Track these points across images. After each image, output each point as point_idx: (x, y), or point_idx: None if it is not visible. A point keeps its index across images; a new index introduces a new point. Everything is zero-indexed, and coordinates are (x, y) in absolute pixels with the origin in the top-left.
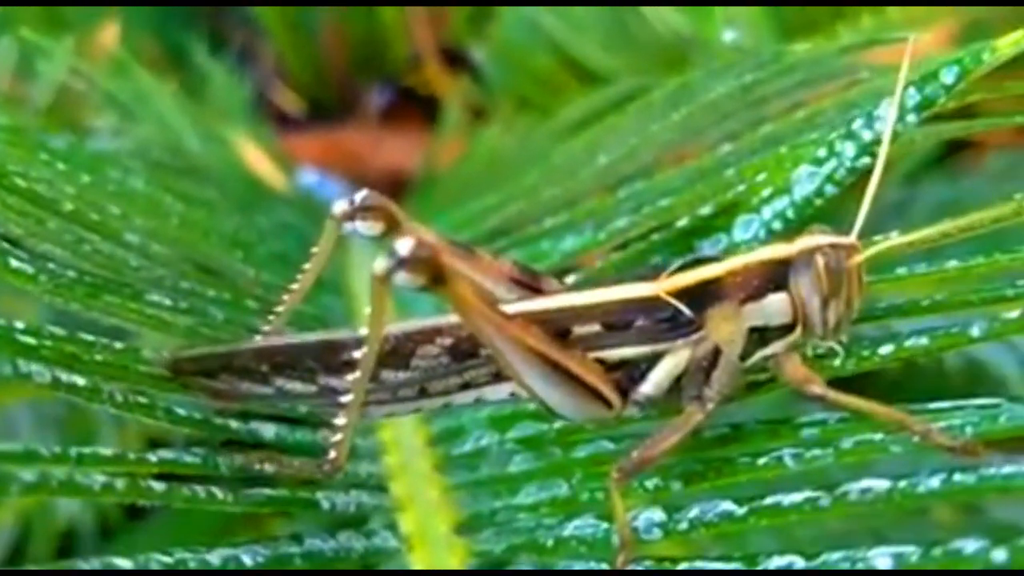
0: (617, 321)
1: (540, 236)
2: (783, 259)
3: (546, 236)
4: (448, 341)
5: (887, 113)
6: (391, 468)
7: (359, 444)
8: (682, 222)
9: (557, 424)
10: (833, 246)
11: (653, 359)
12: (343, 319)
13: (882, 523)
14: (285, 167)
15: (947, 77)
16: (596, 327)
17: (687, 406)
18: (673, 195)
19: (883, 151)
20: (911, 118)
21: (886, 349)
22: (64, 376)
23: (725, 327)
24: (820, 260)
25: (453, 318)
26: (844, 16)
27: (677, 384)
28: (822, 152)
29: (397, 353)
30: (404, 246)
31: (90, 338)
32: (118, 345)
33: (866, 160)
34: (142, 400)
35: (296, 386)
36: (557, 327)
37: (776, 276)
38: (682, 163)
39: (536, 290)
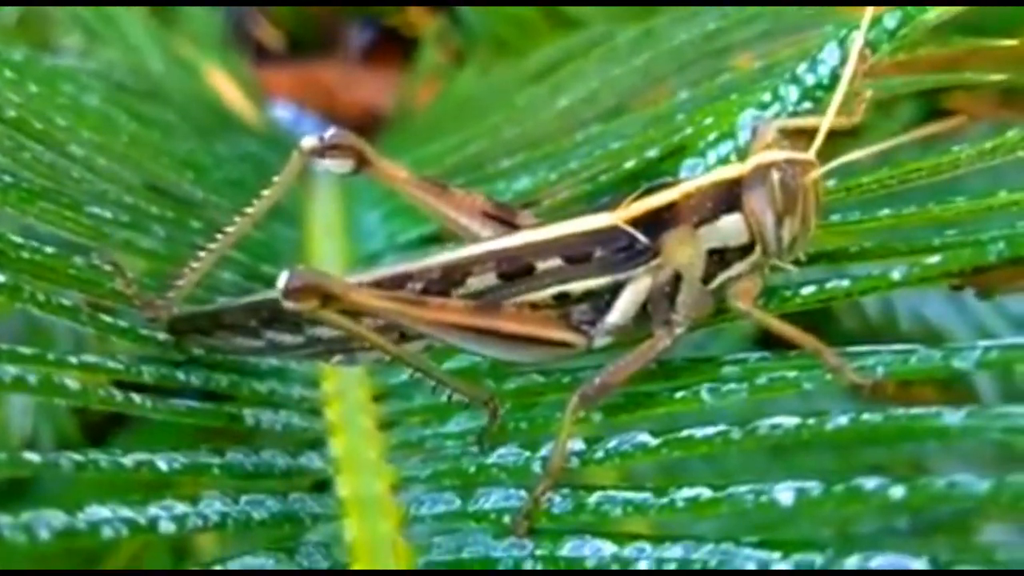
0: (577, 254)
1: (496, 176)
2: (736, 179)
3: (502, 176)
4: (419, 286)
5: (831, 57)
6: (327, 394)
7: (296, 369)
8: (629, 164)
9: None
10: (788, 161)
11: (616, 289)
12: (293, 249)
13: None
14: (258, 99)
15: (889, 22)
16: (558, 261)
17: (656, 332)
18: (626, 139)
19: (844, 78)
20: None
21: (808, 290)
22: None
23: (682, 251)
24: (774, 175)
25: (423, 262)
26: None
27: (644, 311)
28: (767, 97)
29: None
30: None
31: (16, 239)
32: (49, 249)
33: (808, 104)
34: (65, 303)
35: (286, 338)
36: (521, 264)
37: (729, 196)
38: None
39: (510, 224)
